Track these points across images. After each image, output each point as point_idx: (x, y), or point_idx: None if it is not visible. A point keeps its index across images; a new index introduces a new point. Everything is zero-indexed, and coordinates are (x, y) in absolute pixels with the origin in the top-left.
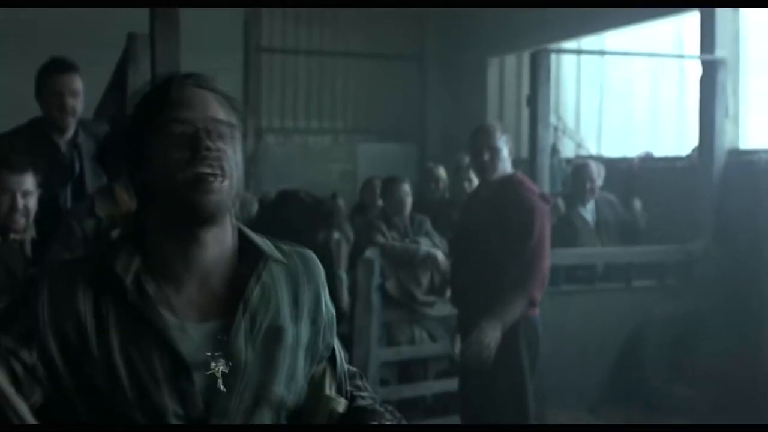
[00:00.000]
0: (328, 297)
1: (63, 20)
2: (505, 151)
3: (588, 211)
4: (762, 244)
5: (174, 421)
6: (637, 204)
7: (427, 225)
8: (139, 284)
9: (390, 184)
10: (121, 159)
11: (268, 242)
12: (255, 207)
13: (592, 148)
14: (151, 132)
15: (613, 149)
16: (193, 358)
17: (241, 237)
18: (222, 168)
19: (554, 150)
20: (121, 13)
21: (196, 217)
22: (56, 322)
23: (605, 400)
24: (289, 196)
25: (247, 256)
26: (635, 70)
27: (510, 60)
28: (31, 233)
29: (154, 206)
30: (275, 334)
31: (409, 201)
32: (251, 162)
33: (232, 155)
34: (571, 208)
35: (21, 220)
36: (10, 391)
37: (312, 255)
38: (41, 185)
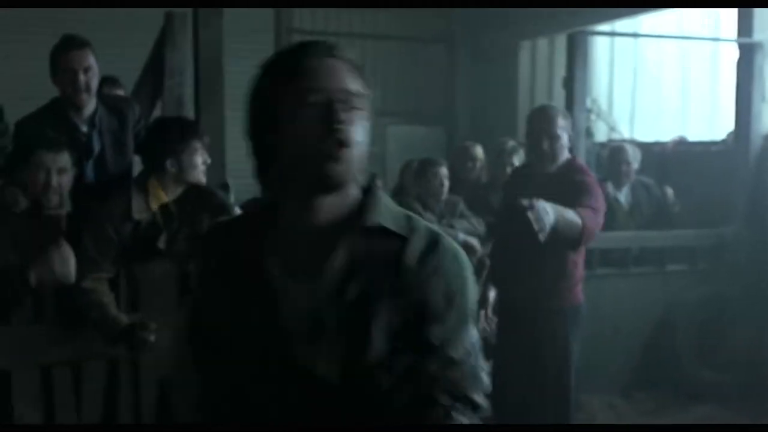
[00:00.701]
0: (445, 290)
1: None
2: (565, 138)
3: (623, 195)
4: None
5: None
6: (669, 192)
7: (461, 206)
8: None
9: (427, 167)
10: (158, 154)
11: (395, 213)
12: None
13: (625, 131)
14: (284, 99)
15: (646, 133)
16: (289, 315)
17: (368, 203)
18: (351, 138)
19: (588, 133)
20: None
21: (321, 184)
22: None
23: (636, 384)
24: None
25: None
26: (668, 53)
27: (542, 43)
28: (67, 208)
29: (278, 168)
30: (361, 304)
31: (447, 184)
32: None
33: (361, 125)
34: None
35: (55, 198)
36: None
37: (435, 240)
38: (75, 163)
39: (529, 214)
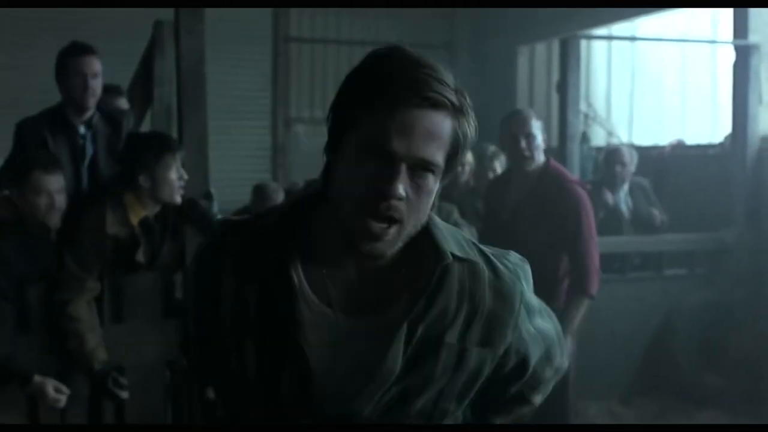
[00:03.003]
0: (524, 328)
1: (87, 10)
2: (539, 138)
3: (622, 201)
4: None
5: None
6: (656, 213)
7: (455, 215)
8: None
9: None
10: (132, 169)
11: (453, 240)
12: (281, 196)
13: (623, 135)
14: (353, 131)
15: (644, 137)
16: (332, 344)
17: (424, 232)
18: (400, 217)
19: (584, 138)
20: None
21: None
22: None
23: (636, 390)
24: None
25: (424, 253)
26: (666, 56)
27: (540, 48)
28: (57, 223)
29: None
30: (433, 346)
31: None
32: (280, 152)
33: (416, 200)
34: (603, 194)
35: (56, 217)
36: None
37: (509, 272)
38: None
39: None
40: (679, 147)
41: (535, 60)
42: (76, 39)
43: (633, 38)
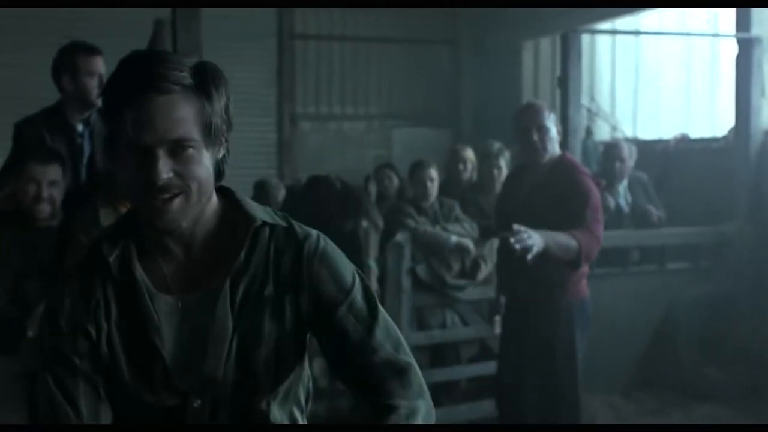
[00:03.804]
0: (320, 278)
1: (89, 10)
2: (553, 131)
3: (622, 197)
4: None
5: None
6: (653, 210)
7: (457, 210)
8: (126, 264)
9: (415, 169)
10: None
11: (261, 210)
12: (282, 193)
13: (627, 130)
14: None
15: (648, 131)
16: (178, 327)
17: (231, 205)
18: (177, 190)
19: (588, 132)
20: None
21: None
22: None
23: (638, 384)
24: (318, 181)
25: (235, 222)
26: (669, 50)
27: (544, 43)
28: (58, 219)
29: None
30: (255, 302)
31: (432, 185)
32: (286, 148)
33: (188, 171)
34: (603, 189)
35: (46, 209)
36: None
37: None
38: (69, 167)
39: (511, 240)
40: (683, 141)
41: (540, 55)
42: (76, 38)
43: (636, 32)
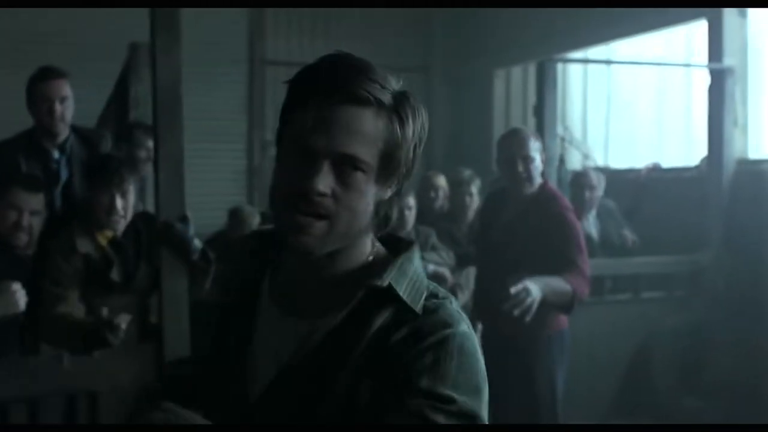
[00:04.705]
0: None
1: (63, 32)
2: (538, 160)
3: (592, 225)
4: None
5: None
6: (628, 234)
7: (434, 238)
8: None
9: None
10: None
11: (415, 287)
12: (257, 220)
13: (599, 159)
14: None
15: (620, 160)
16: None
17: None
18: (326, 212)
19: (561, 161)
20: (124, 24)
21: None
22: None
23: (614, 413)
24: None
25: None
26: (642, 80)
27: (516, 72)
28: (33, 249)
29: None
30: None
31: (409, 213)
32: (256, 175)
33: (346, 198)
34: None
35: (24, 238)
36: None
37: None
38: (48, 205)
39: (512, 303)
40: (655, 170)
41: (512, 83)
42: (47, 60)
43: (608, 62)
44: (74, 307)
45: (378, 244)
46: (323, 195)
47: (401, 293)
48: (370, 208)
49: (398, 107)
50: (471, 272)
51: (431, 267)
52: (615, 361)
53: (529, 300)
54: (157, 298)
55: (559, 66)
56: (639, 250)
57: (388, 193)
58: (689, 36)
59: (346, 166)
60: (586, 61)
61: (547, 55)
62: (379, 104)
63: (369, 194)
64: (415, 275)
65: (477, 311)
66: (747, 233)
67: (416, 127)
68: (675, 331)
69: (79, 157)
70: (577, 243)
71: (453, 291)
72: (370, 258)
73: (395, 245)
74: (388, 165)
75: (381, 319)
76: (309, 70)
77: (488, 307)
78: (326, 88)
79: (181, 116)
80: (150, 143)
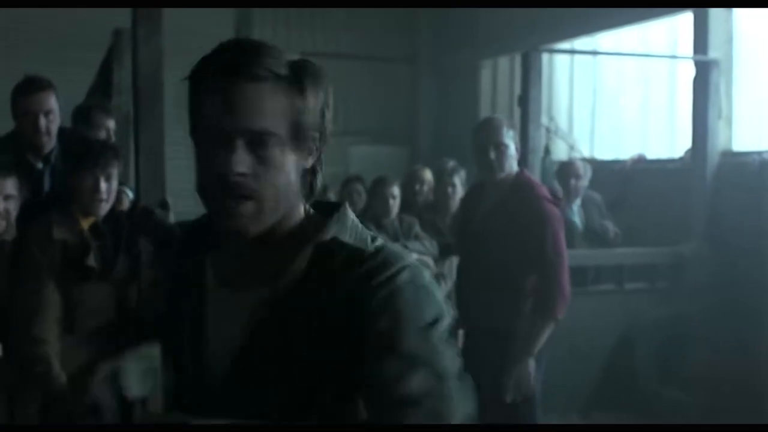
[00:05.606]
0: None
1: (47, 20)
2: (512, 148)
3: (575, 214)
4: (754, 246)
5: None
6: (610, 226)
7: (417, 228)
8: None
9: (376, 185)
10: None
11: (360, 231)
12: None
13: (585, 150)
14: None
15: (605, 151)
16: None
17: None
18: (250, 193)
19: (547, 151)
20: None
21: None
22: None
23: (596, 404)
24: None
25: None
26: (627, 71)
27: (503, 62)
28: (12, 234)
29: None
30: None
31: (394, 203)
32: None
33: (266, 174)
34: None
35: (1, 223)
36: None
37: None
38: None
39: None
40: (640, 161)
41: (498, 74)
42: (31, 51)
43: (594, 53)
44: (49, 302)
45: (311, 210)
46: (243, 175)
47: (347, 241)
48: (294, 178)
49: (296, 76)
50: (454, 262)
51: (414, 255)
52: (596, 352)
53: (528, 384)
54: (136, 288)
55: (546, 57)
56: (622, 241)
57: (310, 161)
58: (675, 28)
59: (259, 144)
60: (571, 51)
61: (533, 45)
62: (276, 76)
63: (288, 166)
64: (354, 226)
65: (458, 301)
66: (730, 225)
67: (318, 92)
68: (657, 323)
69: (63, 168)
70: (553, 233)
71: (436, 280)
72: (305, 223)
73: (326, 209)
74: (299, 133)
75: (331, 273)
76: (206, 60)
77: (468, 300)
78: (224, 72)
79: (162, 104)
80: (109, 123)
